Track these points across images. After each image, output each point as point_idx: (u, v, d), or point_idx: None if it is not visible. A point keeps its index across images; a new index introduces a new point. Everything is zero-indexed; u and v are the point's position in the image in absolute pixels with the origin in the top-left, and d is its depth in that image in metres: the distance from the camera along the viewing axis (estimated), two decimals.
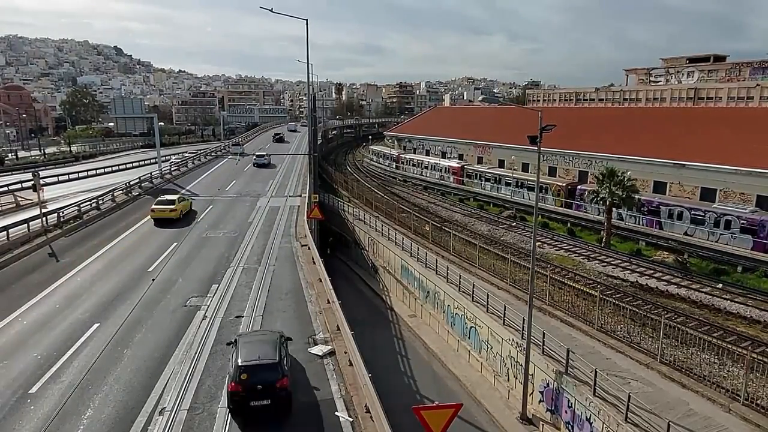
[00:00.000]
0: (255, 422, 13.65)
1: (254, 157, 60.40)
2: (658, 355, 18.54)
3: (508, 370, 21.30)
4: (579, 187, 46.27)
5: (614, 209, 38.34)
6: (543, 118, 16.91)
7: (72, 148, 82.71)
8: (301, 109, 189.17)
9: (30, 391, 14.63)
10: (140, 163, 65.14)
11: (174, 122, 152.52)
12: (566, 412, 17.69)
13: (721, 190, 39.11)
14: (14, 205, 37.64)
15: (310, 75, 45.83)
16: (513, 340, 20.71)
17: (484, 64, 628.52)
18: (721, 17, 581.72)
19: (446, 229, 36.93)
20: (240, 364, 13.63)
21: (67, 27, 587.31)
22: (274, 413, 13.73)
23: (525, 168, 55.20)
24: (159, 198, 35.78)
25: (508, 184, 53.23)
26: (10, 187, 42.15)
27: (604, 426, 15.78)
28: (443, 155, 71.39)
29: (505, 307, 21.79)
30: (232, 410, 13.66)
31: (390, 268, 34.18)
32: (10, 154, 74.63)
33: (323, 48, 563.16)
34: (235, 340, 15.16)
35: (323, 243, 40.10)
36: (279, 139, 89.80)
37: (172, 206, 33.94)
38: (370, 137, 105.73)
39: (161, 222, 33.35)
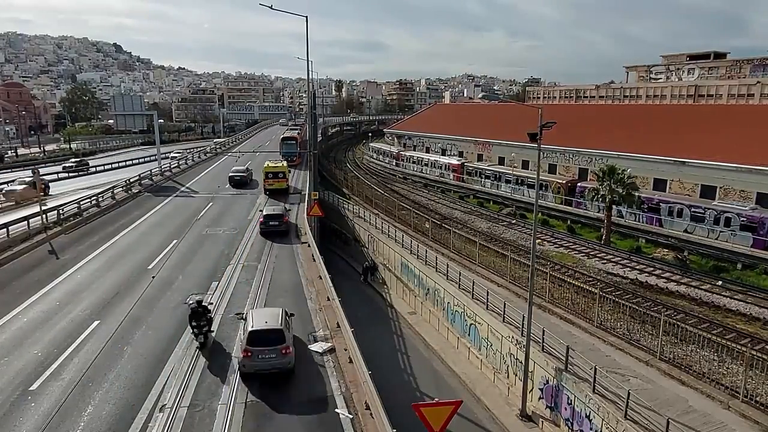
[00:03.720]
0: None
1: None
2: (658, 352, 18.59)
3: (507, 367, 21.33)
4: (579, 184, 46.23)
5: (614, 206, 38.34)
6: (543, 115, 16.91)
7: (72, 146, 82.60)
8: (301, 107, 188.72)
9: (30, 388, 14.64)
10: (140, 160, 65.09)
11: (174, 119, 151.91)
12: (566, 409, 17.74)
13: (721, 188, 39.11)
14: (14, 202, 37.63)
15: (310, 72, 45.80)
16: (513, 337, 20.74)
17: (484, 61, 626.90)
18: (721, 13, 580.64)
19: (446, 226, 36.94)
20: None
21: (64, 24, 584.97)
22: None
23: (525, 165, 55.17)
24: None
25: (508, 182, 53.18)
26: (10, 185, 42.08)
27: (604, 423, 15.81)
28: (443, 152, 71.34)
29: (504, 304, 21.81)
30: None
31: (390, 265, 34.19)
32: (9, 152, 74.56)
33: (323, 45, 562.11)
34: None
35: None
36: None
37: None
38: (370, 134, 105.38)
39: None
